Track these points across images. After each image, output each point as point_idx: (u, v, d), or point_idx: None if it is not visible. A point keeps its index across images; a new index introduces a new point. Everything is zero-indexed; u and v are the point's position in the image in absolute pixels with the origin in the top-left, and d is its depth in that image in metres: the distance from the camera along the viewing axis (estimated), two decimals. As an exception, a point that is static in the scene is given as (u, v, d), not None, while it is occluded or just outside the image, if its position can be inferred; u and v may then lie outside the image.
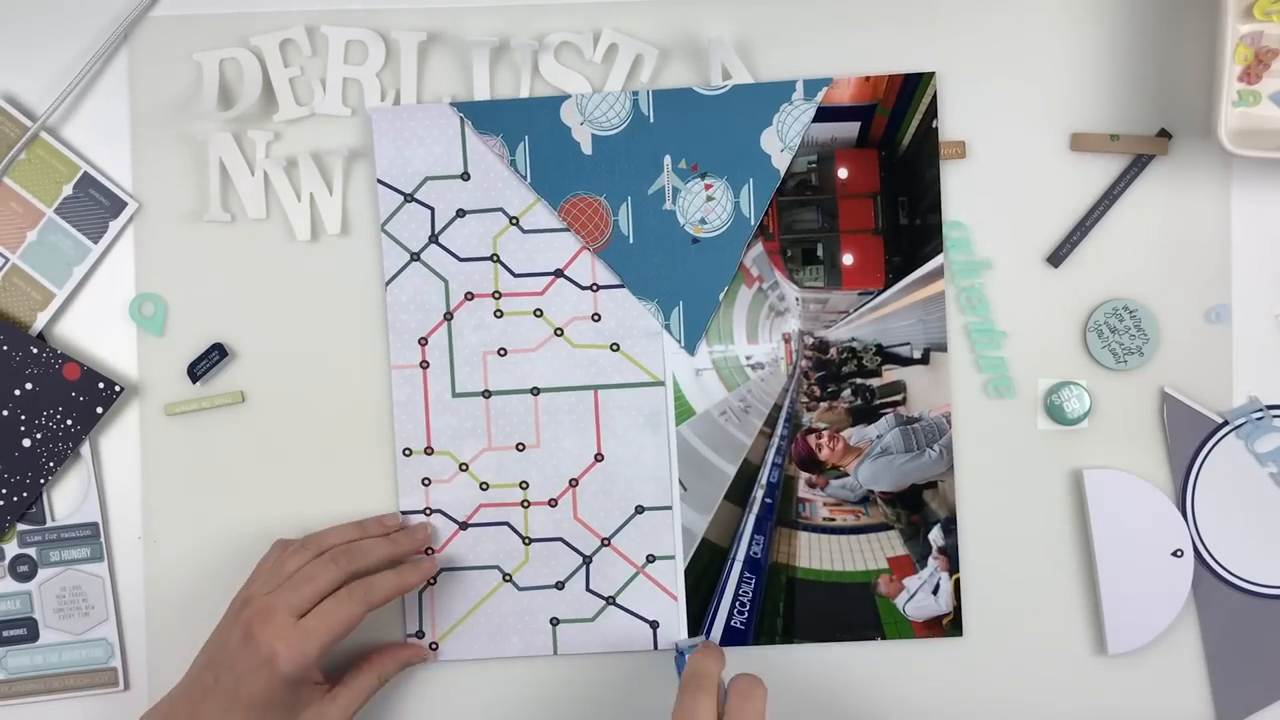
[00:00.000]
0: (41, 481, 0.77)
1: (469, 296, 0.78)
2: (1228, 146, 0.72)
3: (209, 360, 0.77)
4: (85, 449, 0.77)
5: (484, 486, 0.78)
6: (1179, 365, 0.78)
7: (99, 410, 0.76)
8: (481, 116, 0.77)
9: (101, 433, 0.78)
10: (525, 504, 0.78)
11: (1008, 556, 0.78)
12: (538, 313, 0.78)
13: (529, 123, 0.77)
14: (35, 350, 0.76)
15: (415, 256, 0.78)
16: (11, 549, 0.77)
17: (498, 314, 0.78)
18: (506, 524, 0.78)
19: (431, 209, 0.78)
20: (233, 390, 0.78)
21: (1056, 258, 0.77)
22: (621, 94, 0.77)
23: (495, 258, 0.78)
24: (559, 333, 0.78)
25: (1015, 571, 0.78)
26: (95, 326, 0.78)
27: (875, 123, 0.77)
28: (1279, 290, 0.78)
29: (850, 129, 0.77)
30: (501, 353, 0.78)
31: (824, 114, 0.77)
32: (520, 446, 0.78)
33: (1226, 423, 0.77)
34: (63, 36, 0.77)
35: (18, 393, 0.76)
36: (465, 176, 0.77)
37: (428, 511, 0.78)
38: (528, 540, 0.78)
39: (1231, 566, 0.77)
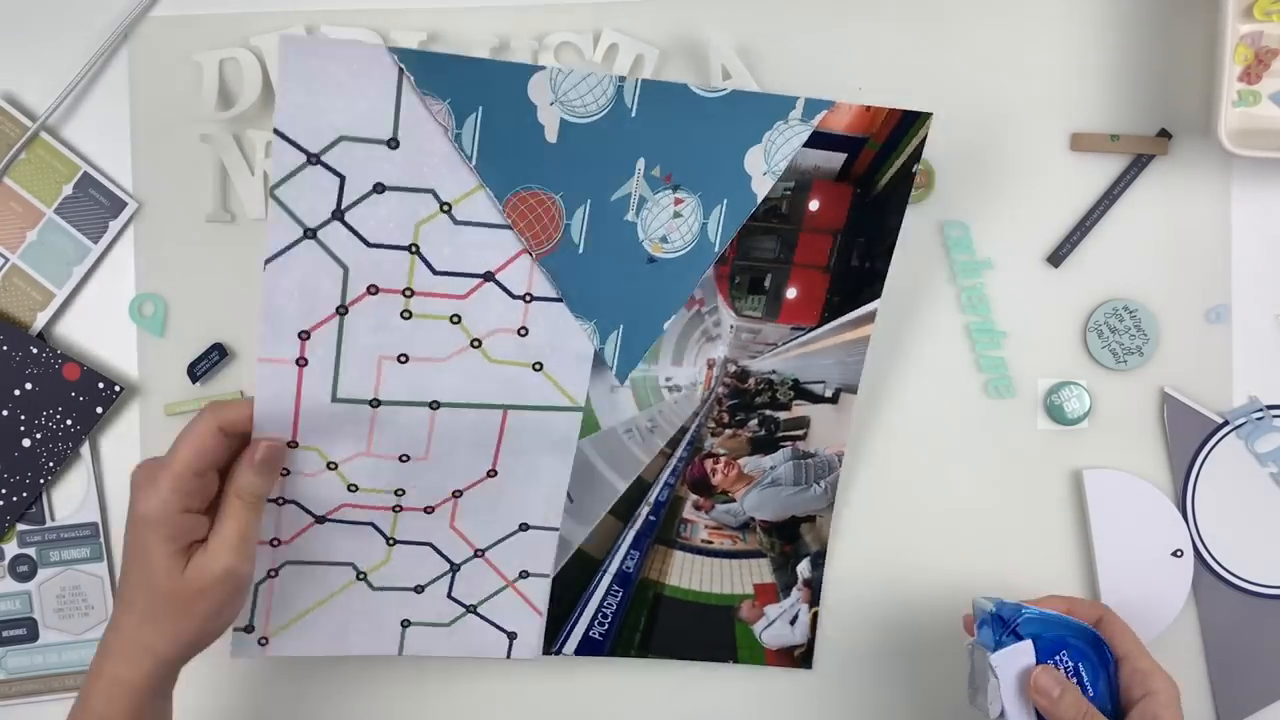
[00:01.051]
0: (41, 481, 0.77)
1: (372, 290, 0.65)
2: (1228, 146, 0.72)
3: (209, 360, 0.77)
4: (85, 449, 0.77)
5: (352, 488, 0.69)
6: (1179, 365, 0.77)
7: (99, 410, 0.76)
8: (427, 72, 0.62)
9: (101, 433, 0.78)
10: (397, 509, 0.71)
11: (1007, 556, 0.78)
12: (455, 319, 0.67)
13: (486, 91, 0.63)
14: (35, 350, 0.76)
15: (310, 233, 0.64)
16: (11, 549, 0.77)
17: (405, 315, 0.66)
18: (371, 524, 0.71)
19: (342, 177, 0.63)
20: (233, 390, 0.78)
21: (1056, 258, 0.77)
22: (605, 76, 0.65)
23: (414, 249, 0.65)
24: (476, 344, 0.68)
25: (1015, 571, 0.78)
26: (95, 327, 0.78)
27: (861, 157, 0.70)
28: (1279, 290, 0.78)
29: (835, 160, 0.70)
30: (402, 359, 0.67)
31: (814, 140, 0.69)
32: (404, 458, 0.69)
33: (1226, 423, 0.77)
34: (63, 36, 0.77)
35: (18, 393, 0.76)
36: (393, 144, 0.64)
37: (280, 501, 0.69)
38: (392, 541, 0.72)
39: (1231, 566, 0.77)
